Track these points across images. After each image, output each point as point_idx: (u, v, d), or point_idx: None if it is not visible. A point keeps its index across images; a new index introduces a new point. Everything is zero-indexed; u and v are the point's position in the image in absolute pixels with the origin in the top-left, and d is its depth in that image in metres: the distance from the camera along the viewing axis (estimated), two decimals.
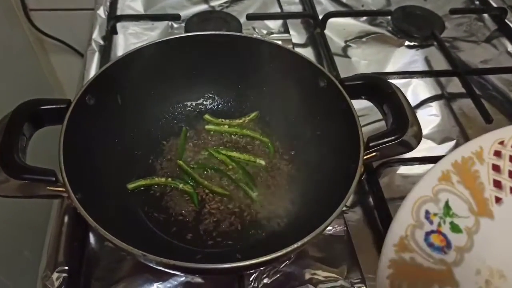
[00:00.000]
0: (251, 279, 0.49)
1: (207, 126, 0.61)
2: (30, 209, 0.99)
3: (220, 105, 0.64)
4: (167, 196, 0.54)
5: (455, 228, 0.39)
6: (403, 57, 0.77)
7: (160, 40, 0.58)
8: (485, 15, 0.86)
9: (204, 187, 0.55)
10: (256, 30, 0.80)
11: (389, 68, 0.75)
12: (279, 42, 0.59)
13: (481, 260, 0.39)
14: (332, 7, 0.86)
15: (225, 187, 0.55)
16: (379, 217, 0.55)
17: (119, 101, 0.55)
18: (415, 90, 0.71)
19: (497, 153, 0.41)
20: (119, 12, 0.82)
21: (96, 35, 0.78)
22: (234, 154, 0.58)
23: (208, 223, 0.52)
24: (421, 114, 0.68)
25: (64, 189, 0.42)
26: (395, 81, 0.59)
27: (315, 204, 0.50)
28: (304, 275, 0.49)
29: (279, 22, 0.82)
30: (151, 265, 0.41)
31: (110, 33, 0.77)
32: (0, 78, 0.91)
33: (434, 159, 0.60)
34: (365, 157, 0.46)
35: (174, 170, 0.57)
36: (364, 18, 0.84)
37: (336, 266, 0.50)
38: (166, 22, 0.81)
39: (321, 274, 0.50)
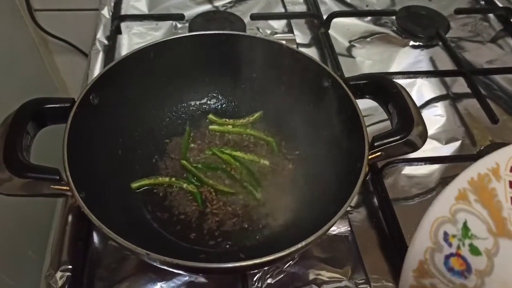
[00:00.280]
0: (254, 279, 0.48)
1: (211, 126, 0.61)
2: (34, 209, 0.99)
3: (224, 105, 0.64)
4: (171, 196, 0.54)
5: (474, 251, 0.38)
6: (407, 57, 0.77)
7: (164, 39, 0.58)
8: (491, 15, 0.86)
9: (209, 186, 0.55)
10: (260, 30, 0.80)
11: (393, 68, 0.75)
12: (283, 42, 0.59)
13: (501, 282, 0.37)
14: (336, 7, 0.86)
15: (229, 186, 0.55)
16: (384, 217, 0.55)
17: (122, 101, 0.55)
18: (420, 90, 0.71)
19: None
20: (123, 12, 0.82)
21: (100, 35, 0.78)
22: (238, 154, 0.58)
23: (212, 222, 0.52)
24: (426, 114, 0.67)
25: (68, 188, 0.42)
26: (400, 81, 0.59)
27: (319, 204, 0.50)
28: (308, 275, 0.49)
29: (283, 22, 0.82)
30: (154, 264, 0.41)
31: (114, 33, 0.77)
32: (5, 78, 0.92)
33: (439, 159, 0.60)
34: (370, 157, 0.46)
35: (178, 170, 0.57)
36: (369, 18, 0.84)
37: (340, 266, 0.50)
38: (170, 22, 0.81)
39: (325, 274, 0.49)
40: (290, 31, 0.80)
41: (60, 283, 0.47)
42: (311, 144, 0.57)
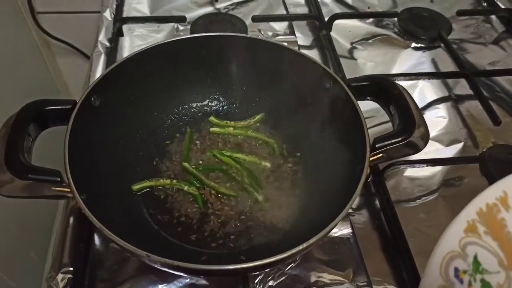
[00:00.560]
0: (256, 281, 0.48)
1: (212, 129, 0.61)
2: (36, 210, 0.99)
3: (226, 107, 0.64)
4: (172, 198, 0.54)
5: (486, 286, 0.36)
6: (409, 59, 0.77)
7: (165, 41, 0.58)
8: (493, 17, 0.86)
9: (210, 188, 0.55)
10: (262, 32, 0.80)
11: (395, 70, 0.74)
12: (285, 44, 0.59)
13: None
14: (338, 9, 0.86)
15: (230, 188, 0.55)
16: (386, 219, 0.54)
17: (124, 102, 0.55)
18: (422, 92, 0.71)
19: None
20: (125, 14, 0.82)
21: (102, 37, 0.78)
22: (239, 155, 0.58)
23: (213, 224, 0.52)
24: (428, 116, 0.67)
25: (69, 190, 0.42)
26: (402, 83, 0.59)
27: (320, 206, 0.49)
28: (309, 277, 0.49)
29: (284, 24, 0.82)
30: (155, 266, 0.41)
31: (116, 35, 0.77)
32: (7, 80, 0.92)
33: (441, 161, 0.60)
34: (371, 159, 0.45)
35: (179, 172, 0.57)
36: (370, 20, 0.84)
37: (342, 269, 0.50)
38: (172, 24, 0.81)
39: (326, 277, 0.49)
40: (292, 33, 0.80)
41: (61, 285, 0.47)
42: (312, 146, 0.57)
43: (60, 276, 0.47)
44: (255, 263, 0.39)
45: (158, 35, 0.79)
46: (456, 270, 0.37)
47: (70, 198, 0.43)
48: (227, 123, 0.62)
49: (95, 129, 0.51)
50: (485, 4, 0.89)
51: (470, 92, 0.69)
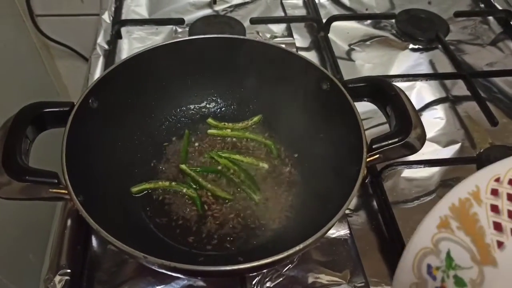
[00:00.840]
0: (253, 282, 0.48)
1: (209, 131, 0.61)
2: (34, 212, 0.99)
3: (224, 108, 0.64)
4: (170, 199, 0.54)
5: (459, 282, 0.36)
6: (407, 60, 0.77)
7: (163, 43, 0.58)
8: (490, 18, 0.86)
9: (207, 191, 0.55)
10: (260, 34, 0.80)
11: (393, 71, 0.75)
12: (283, 46, 0.59)
13: None
14: (336, 11, 0.86)
15: (228, 190, 0.55)
16: (383, 220, 0.54)
17: (122, 104, 0.56)
18: (420, 93, 0.71)
19: (494, 192, 0.36)
20: (123, 17, 0.83)
21: (101, 40, 0.78)
22: (237, 157, 0.58)
23: (211, 226, 0.52)
24: (426, 117, 0.67)
25: (66, 192, 0.42)
26: (400, 84, 0.59)
27: (318, 207, 0.50)
28: (307, 278, 0.49)
29: (282, 26, 0.82)
30: (153, 267, 0.41)
31: (114, 38, 0.78)
32: (7, 82, 0.92)
33: (439, 162, 0.60)
34: (368, 159, 0.46)
35: (177, 174, 0.57)
36: (368, 21, 0.84)
37: (340, 270, 0.50)
38: (170, 26, 0.81)
39: (324, 278, 0.49)
40: (290, 35, 0.80)
41: (58, 286, 0.47)
42: (310, 147, 0.57)
43: (57, 278, 0.47)
44: (253, 264, 0.39)
45: (156, 37, 0.80)
46: (429, 266, 0.37)
47: (67, 200, 0.43)
48: (225, 124, 0.62)
49: (93, 131, 0.51)
50: (482, 5, 0.89)
51: (468, 93, 0.69)
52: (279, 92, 0.59)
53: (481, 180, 0.37)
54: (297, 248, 0.39)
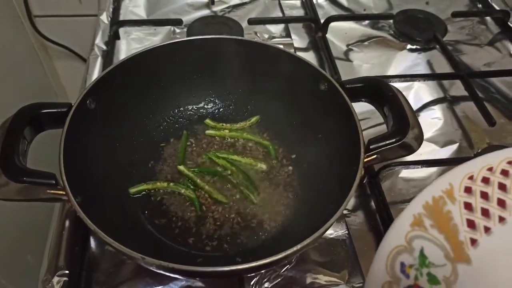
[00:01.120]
0: (251, 283, 0.48)
1: (207, 131, 0.61)
2: (33, 214, 0.99)
3: (222, 109, 0.64)
4: (168, 200, 0.54)
5: (432, 280, 0.36)
6: (405, 61, 0.77)
7: (161, 44, 0.58)
8: (488, 18, 0.86)
9: (205, 192, 0.55)
10: (258, 35, 0.80)
11: (391, 72, 0.75)
12: (281, 46, 0.59)
13: None
14: (333, 11, 0.86)
15: (225, 193, 0.55)
16: (381, 221, 0.55)
17: (119, 105, 0.55)
18: (418, 93, 0.71)
19: (468, 190, 0.37)
20: (121, 18, 0.83)
21: (99, 41, 0.78)
22: (235, 157, 0.58)
23: (209, 226, 0.52)
24: (423, 117, 0.67)
25: (64, 193, 0.42)
26: (397, 84, 0.59)
27: (315, 207, 0.50)
28: (305, 279, 0.49)
29: (280, 26, 0.82)
30: (151, 268, 0.41)
31: (112, 38, 0.78)
32: (5, 83, 0.92)
33: (436, 162, 0.60)
34: (365, 160, 0.46)
35: (175, 175, 0.57)
36: (366, 22, 0.85)
37: (338, 270, 0.50)
38: (169, 27, 0.81)
39: (322, 278, 0.49)
40: (288, 35, 0.80)
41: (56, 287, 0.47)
42: (308, 148, 0.57)
43: (56, 279, 0.47)
44: (250, 264, 0.39)
45: (154, 38, 0.80)
46: (402, 265, 0.37)
47: (65, 201, 0.43)
48: (223, 125, 0.62)
49: (91, 132, 0.51)
50: (480, 5, 0.90)
51: (465, 93, 0.69)
52: (276, 92, 0.60)
53: (454, 178, 0.37)
54: (295, 248, 0.39)
